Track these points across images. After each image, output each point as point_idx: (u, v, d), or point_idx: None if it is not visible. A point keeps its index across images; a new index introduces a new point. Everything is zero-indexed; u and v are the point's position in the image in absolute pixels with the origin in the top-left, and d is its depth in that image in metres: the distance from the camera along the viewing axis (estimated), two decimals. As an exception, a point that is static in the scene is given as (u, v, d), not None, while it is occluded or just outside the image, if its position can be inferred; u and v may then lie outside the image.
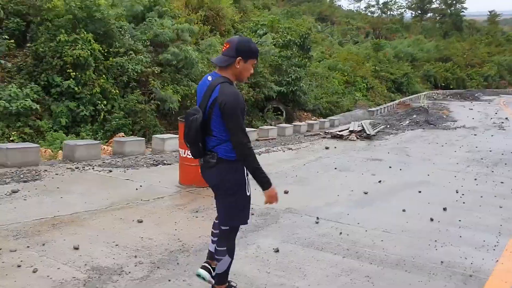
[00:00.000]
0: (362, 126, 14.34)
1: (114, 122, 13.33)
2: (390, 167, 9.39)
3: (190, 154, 3.54)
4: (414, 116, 18.98)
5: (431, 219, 5.98)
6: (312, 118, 20.17)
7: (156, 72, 14.85)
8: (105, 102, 13.53)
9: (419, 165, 9.84)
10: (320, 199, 6.76)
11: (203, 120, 3.18)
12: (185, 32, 15.95)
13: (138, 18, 16.24)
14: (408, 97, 35.84)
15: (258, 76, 18.85)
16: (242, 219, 3.42)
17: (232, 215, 3.37)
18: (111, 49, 14.34)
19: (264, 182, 3.25)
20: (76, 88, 13.07)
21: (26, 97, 12.03)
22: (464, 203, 6.90)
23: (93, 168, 8.28)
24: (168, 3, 17.48)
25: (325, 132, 14.07)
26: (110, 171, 8.11)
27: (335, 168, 9.04)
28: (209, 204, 5.94)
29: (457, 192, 7.49)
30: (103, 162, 8.91)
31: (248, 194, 3.36)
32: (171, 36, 15.90)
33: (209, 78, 3.27)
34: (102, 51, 14.18)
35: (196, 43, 17.29)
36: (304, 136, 14.11)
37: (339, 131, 13.59)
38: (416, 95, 33.87)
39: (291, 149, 11.46)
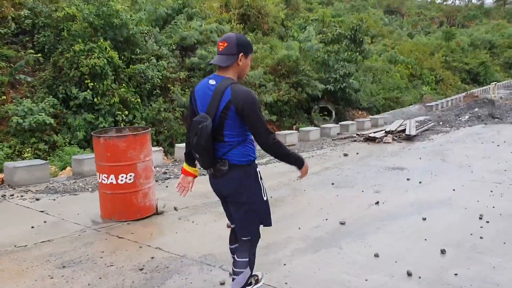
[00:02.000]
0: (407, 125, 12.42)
1: (134, 133, 12.49)
2: (408, 179, 7.54)
3: (191, 164, 3.43)
4: (476, 109, 16.47)
5: (409, 274, 4.00)
6: (368, 117, 18.32)
7: (182, 77, 13.90)
8: (126, 112, 12.77)
9: (451, 174, 7.87)
10: (271, 235, 4.78)
11: (213, 126, 2.99)
12: (213, 33, 14.88)
13: (164, 21, 15.42)
14: (481, 88, 32.41)
15: (300, 74, 17.39)
16: (259, 226, 3.32)
17: (251, 224, 3.24)
18: (133, 56, 13.60)
19: (299, 163, 3.25)
20: (95, 99, 12.45)
21: (41, 111, 11.53)
22: (481, 238, 4.88)
23: (21, 196, 7.05)
24: (199, 4, 16.55)
25: (357, 134, 12.26)
26: (37, 199, 6.85)
27: (332, 184, 7.35)
28: (106, 250, 4.79)
29: (480, 219, 5.50)
30: (47, 187, 7.63)
31: (265, 198, 3.24)
32: (199, 38, 14.92)
33: (211, 82, 3.05)
34: (124, 58, 13.53)
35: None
36: (332, 140, 12.45)
37: (374, 133, 11.75)
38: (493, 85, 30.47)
39: None
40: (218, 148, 3.07)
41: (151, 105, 13.16)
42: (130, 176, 5.58)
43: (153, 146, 12.71)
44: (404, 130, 11.75)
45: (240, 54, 3.02)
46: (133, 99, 12.82)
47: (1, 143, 11.21)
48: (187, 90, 13.50)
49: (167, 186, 7.62)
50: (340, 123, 14.95)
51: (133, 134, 5.72)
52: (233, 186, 3.13)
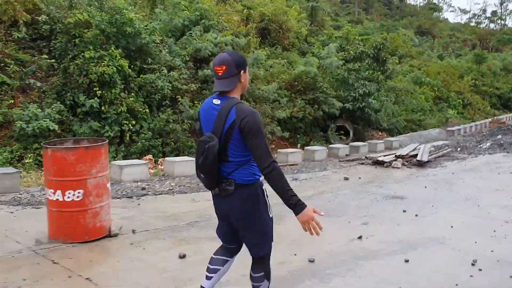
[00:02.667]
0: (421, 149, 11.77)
1: (140, 143, 12.25)
2: (404, 211, 6.79)
3: (202, 184, 3.33)
4: (499, 136, 15.59)
5: None
6: (382, 139, 17.67)
7: (192, 89, 13.63)
8: (133, 122, 12.54)
9: (454, 208, 7.03)
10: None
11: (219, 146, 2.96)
12: (228, 46, 14.60)
13: (181, 32, 15.24)
14: (510, 114, 31.25)
15: (317, 91, 16.93)
16: (271, 243, 3.27)
17: (263, 241, 3.20)
18: (144, 66, 13.42)
19: (296, 205, 2.93)
20: (103, 108, 12.27)
21: (46, 117, 11.38)
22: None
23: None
24: (217, 17, 16.34)
25: (366, 157, 11.64)
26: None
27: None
28: (29, 277, 4.20)
29: (473, 265, 4.71)
30: (13, 198, 7.11)
31: (271, 215, 3.20)
32: (214, 50, 14.66)
33: (216, 101, 3.03)
34: (135, 67, 13.36)
35: (246, 57, 15.81)
36: (339, 161, 11.83)
37: (384, 156, 11.12)
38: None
39: (297, 179, 9.25)
40: (223, 168, 3.04)
41: (159, 115, 12.89)
42: (79, 193, 4.99)
43: (158, 157, 12.53)
44: (416, 155, 11.07)
45: (241, 72, 3.03)
46: (141, 109, 12.58)
47: (4, 147, 11.11)
48: (196, 102, 13.19)
49: (139, 204, 7.04)
50: (350, 143, 14.40)
51: (84, 147, 5.14)
52: (241, 207, 3.07)
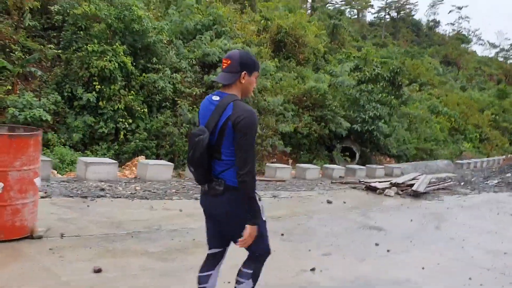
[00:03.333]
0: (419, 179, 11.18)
1: (133, 143, 11.93)
2: (377, 244, 6.03)
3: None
4: (509, 174, 14.85)
5: None
6: (382, 165, 17.09)
7: (195, 93, 13.30)
8: (130, 120, 12.25)
9: (434, 247, 6.24)
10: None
11: (210, 142, 2.89)
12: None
13: (193, 35, 14.97)
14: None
15: (326, 109, 16.48)
16: (266, 244, 3.17)
17: (257, 242, 3.01)
18: (148, 65, 13.16)
19: (257, 216, 2.93)
20: (100, 103, 12.01)
21: (41, 107, 11.15)
22: None
23: None
24: (230, 23, 16.05)
25: (360, 181, 11.07)
26: None
27: (282, 235, 5.98)
28: None
29: None
30: None
31: (264, 218, 3.08)
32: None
33: (215, 98, 2.99)
34: (140, 66, 13.12)
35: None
36: (331, 182, 11.28)
37: (379, 182, 10.55)
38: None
39: (276, 196, 8.66)
40: (215, 166, 2.97)
41: (157, 116, 12.58)
42: (-3, 186, 4.39)
43: (151, 159, 12.19)
44: (413, 185, 10.49)
45: (243, 73, 2.97)
46: (138, 108, 12.29)
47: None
48: (196, 107, 12.86)
49: (88, 206, 6.42)
50: (347, 165, 13.86)
51: (8, 135, 4.53)
52: (228, 209, 2.97)
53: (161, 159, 12.44)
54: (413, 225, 7.57)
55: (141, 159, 11.92)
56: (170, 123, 12.57)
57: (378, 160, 19.25)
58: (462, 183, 12.98)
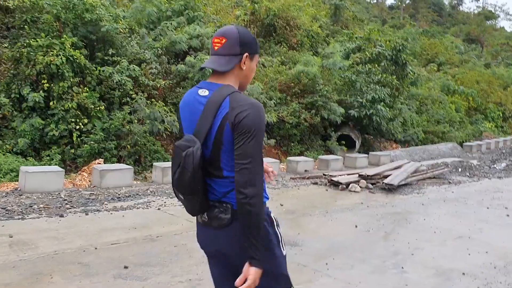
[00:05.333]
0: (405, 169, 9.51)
1: (88, 146, 10.69)
2: None
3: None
4: (520, 156, 12.91)
5: None
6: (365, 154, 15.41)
7: (160, 85, 11.98)
8: (85, 120, 11.02)
9: (358, 268, 4.73)
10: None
11: (204, 155, 2.08)
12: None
13: (159, 23, 13.62)
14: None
15: (317, 94, 14.92)
16: (289, 284, 2.29)
17: (277, 284, 2.22)
18: (106, 57, 11.88)
19: (259, 257, 2.04)
20: (51, 103, 10.84)
21: (-20, 111, 10.05)
22: None
23: None
24: (204, 7, 14.59)
25: (324, 174, 9.35)
26: None
27: (125, 267, 4.58)
28: None
29: None
30: None
31: (284, 253, 2.25)
32: (194, 44, 12.98)
33: (202, 92, 2.16)
34: (98, 59, 11.87)
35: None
36: (291, 178, 9.72)
37: (346, 175, 8.92)
38: None
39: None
40: (215, 186, 2.15)
41: (115, 114, 11.30)
42: None
43: (111, 162, 10.96)
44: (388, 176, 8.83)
45: (245, 55, 2.18)
46: (92, 106, 11.04)
47: None
48: (153, 100, 11.52)
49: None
50: (320, 157, 12.31)
51: None
52: (239, 246, 2.09)
53: (123, 161, 11.22)
54: (353, 234, 6.00)
55: (98, 163, 10.73)
56: (135, 121, 11.27)
57: (383, 147, 17.58)
58: (459, 169, 11.21)
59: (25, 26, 11.25)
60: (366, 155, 12.53)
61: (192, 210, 2.22)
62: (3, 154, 10.00)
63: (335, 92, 15.61)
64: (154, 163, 10.17)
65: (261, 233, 2.05)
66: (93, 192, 7.70)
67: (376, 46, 19.29)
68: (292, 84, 15.01)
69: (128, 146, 11.17)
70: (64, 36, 11.08)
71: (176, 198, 2.32)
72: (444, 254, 5.31)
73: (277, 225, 2.27)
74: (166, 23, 13.06)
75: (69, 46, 10.88)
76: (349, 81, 16.13)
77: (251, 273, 2.04)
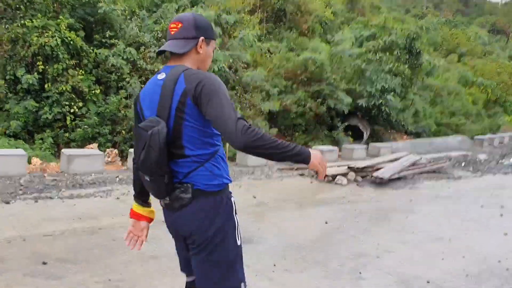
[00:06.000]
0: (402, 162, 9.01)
1: (81, 130, 10.46)
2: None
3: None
4: (533, 150, 12.23)
5: None
6: (363, 144, 14.88)
7: (157, 69, 11.63)
8: (80, 104, 10.79)
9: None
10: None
11: (168, 133, 2.08)
12: (211, 23, 12.45)
13: (160, 5, 13.27)
14: None
15: (324, 83, 14.43)
16: (238, 278, 2.24)
17: (225, 275, 2.20)
18: (103, 40, 11.60)
19: (305, 155, 2.09)
20: (46, 86, 10.63)
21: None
22: None
23: None
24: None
25: None
26: None
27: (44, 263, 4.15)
28: None
29: None
30: None
31: (239, 243, 2.25)
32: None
33: (160, 76, 2.20)
34: (96, 42, 11.61)
35: (234, 37, 13.61)
36: (278, 169, 9.33)
37: (336, 166, 8.46)
38: None
39: None
40: (176, 168, 2.14)
41: (111, 99, 11.04)
42: None
43: (105, 146, 10.73)
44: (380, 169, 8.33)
45: (201, 38, 2.21)
46: (86, 89, 10.78)
47: None
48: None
49: None
50: (313, 147, 11.84)
51: None
52: (198, 223, 2.14)
53: (118, 146, 10.99)
54: (320, 231, 5.52)
55: (91, 147, 10.51)
56: (123, 105, 11.00)
57: (393, 138, 17.01)
58: (463, 164, 10.64)
59: (21, 6, 11.00)
60: (365, 146, 12.04)
61: (158, 192, 2.21)
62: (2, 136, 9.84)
63: (344, 80, 15.09)
64: (130, 150, 9.80)
65: (275, 147, 2.00)
66: (56, 178, 7.40)
67: (391, 34, 18.62)
68: (299, 71, 14.53)
69: (123, 132, 10.92)
70: (60, 17, 10.81)
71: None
72: (414, 258, 4.81)
73: (235, 211, 2.26)
74: (167, 6, 12.70)
75: (64, 27, 10.62)
76: (359, 69, 15.57)
77: (314, 164, 2.12)
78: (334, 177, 7.95)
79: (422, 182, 8.55)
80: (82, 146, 10.54)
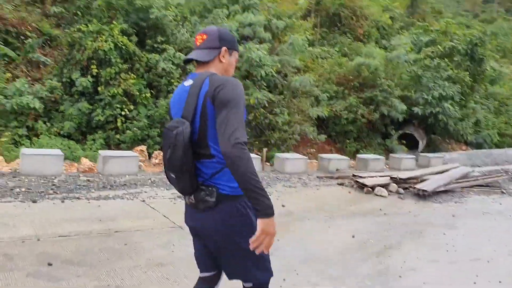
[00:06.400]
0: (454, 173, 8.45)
1: (130, 132, 10.72)
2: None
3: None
4: None
5: None
6: (411, 154, 14.14)
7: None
8: (131, 107, 11.07)
9: None
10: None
11: (192, 136, 2.21)
12: (260, 28, 12.42)
13: (212, 11, 13.38)
14: None
15: (377, 89, 14.01)
16: (270, 269, 2.45)
17: (255, 267, 2.37)
18: (155, 45, 11.85)
19: (268, 206, 2.10)
20: (99, 88, 10.99)
21: (31, 94, 10.37)
22: None
23: None
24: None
25: (354, 175, 8.45)
26: None
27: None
28: None
29: None
30: None
31: None
32: (244, 33, 12.63)
33: (187, 82, 2.37)
34: (147, 47, 11.88)
35: (284, 42, 13.46)
36: (317, 177, 8.99)
37: (379, 176, 8.02)
38: None
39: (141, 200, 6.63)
40: (201, 168, 2.27)
41: (160, 102, 11.25)
42: None
43: (153, 149, 10.92)
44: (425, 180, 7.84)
45: (223, 49, 2.40)
46: (137, 93, 11.04)
47: (-17, 123, 10.31)
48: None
49: None
50: (358, 155, 11.39)
51: None
52: (223, 226, 2.29)
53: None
54: (344, 244, 5.15)
55: (140, 149, 10.74)
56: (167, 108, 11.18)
57: (451, 148, 16.24)
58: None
59: (78, 12, 11.46)
60: (414, 156, 11.53)
61: (183, 189, 2.32)
62: (49, 137, 10.25)
63: (399, 87, 14.57)
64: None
65: (253, 184, 2.06)
66: (90, 179, 7.48)
67: (452, 40, 17.83)
68: (351, 77, 14.20)
69: (171, 134, 11.06)
70: (114, 22, 11.16)
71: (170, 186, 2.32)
72: (442, 280, 4.32)
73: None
74: (218, 11, 12.80)
75: (117, 32, 10.93)
76: (416, 76, 14.99)
77: (258, 224, 2.12)
78: (373, 188, 7.61)
79: (470, 196, 7.98)
80: (131, 147, 10.79)
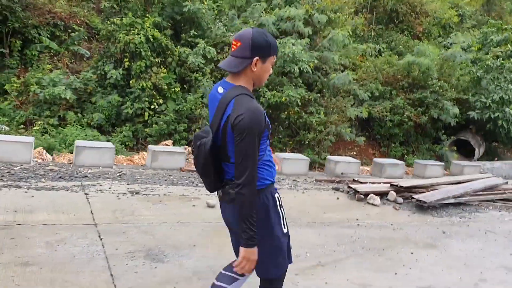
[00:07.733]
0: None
1: (157, 126, 10.64)
2: None
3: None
4: None
5: None
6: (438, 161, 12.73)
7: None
8: (160, 101, 10.99)
9: None
10: None
11: (214, 144, 2.51)
12: (300, 21, 11.84)
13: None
14: None
15: (428, 90, 12.94)
16: (284, 264, 2.65)
17: (271, 259, 2.58)
18: (189, 39, 11.69)
19: (252, 237, 2.40)
20: (131, 81, 11.03)
21: (64, 85, 10.62)
22: None
23: None
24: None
25: (354, 179, 7.61)
26: None
27: None
28: None
29: None
30: None
31: (285, 231, 2.64)
32: (284, 27, 12.14)
33: (220, 90, 2.56)
34: (182, 41, 11.77)
35: (325, 37, 12.74)
36: (315, 180, 8.29)
37: (382, 183, 7.12)
38: None
39: (139, 192, 6.40)
40: (227, 169, 2.58)
41: (188, 97, 11.07)
42: None
43: (179, 144, 10.77)
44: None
45: (255, 59, 2.46)
46: (166, 87, 10.93)
47: (18, 111, 10.69)
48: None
49: None
50: (374, 160, 10.40)
51: None
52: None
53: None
54: None
55: (166, 144, 10.64)
56: (200, 104, 10.94)
57: (510, 156, 14.72)
58: None
59: (114, 5, 11.56)
60: (442, 163, 10.41)
61: (209, 186, 2.65)
62: (80, 127, 10.41)
63: (454, 89, 13.37)
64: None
65: (249, 220, 2.36)
66: (54, 168, 7.24)
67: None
68: (400, 76, 13.23)
69: (197, 130, 10.86)
70: (148, 15, 11.13)
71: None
72: None
73: (281, 206, 2.62)
74: (256, 5, 12.39)
75: (148, 25, 10.89)
76: (475, 77, 13.69)
77: (241, 252, 2.41)
78: (367, 195, 6.83)
79: (486, 211, 6.92)
80: (158, 141, 10.72)
